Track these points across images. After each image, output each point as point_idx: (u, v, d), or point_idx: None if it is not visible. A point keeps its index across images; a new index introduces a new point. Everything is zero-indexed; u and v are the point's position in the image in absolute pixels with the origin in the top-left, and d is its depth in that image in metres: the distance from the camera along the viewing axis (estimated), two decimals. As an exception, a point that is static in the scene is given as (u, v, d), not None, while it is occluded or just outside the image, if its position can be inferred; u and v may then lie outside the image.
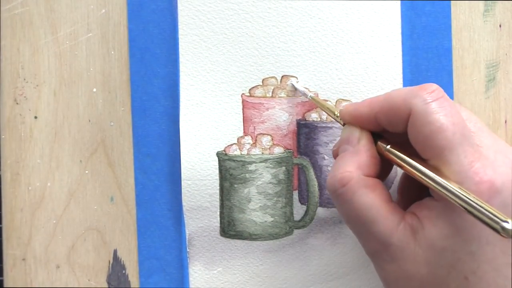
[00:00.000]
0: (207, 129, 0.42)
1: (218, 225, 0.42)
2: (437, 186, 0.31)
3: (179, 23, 0.42)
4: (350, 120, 0.36)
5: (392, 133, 0.35)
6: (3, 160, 0.43)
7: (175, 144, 0.42)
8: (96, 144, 0.43)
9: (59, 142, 0.43)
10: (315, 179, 0.42)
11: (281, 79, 0.42)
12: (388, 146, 0.34)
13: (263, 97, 0.42)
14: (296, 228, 0.43)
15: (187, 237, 0.42)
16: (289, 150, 0.42)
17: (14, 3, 0.43)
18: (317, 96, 0.42)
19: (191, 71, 0.42)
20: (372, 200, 0.33)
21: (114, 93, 0.43)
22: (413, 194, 0.36)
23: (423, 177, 0.32)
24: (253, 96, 0.42)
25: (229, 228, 0.42)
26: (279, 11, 0.42)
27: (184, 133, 0.42)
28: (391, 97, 0.33)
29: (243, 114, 0.42)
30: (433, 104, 0.31)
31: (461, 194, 0.30)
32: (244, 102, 0.42)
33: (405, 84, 0.43)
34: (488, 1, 0.43)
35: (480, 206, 0.29)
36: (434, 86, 0.32)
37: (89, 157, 0.43)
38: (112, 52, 0.43)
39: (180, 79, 0.42)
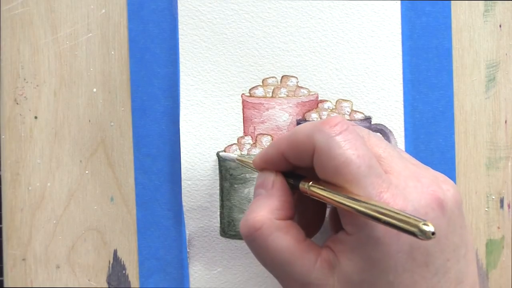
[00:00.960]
0: (207, 129, 0.42)
1: (218, 225, 0.42)
2: (362, 209, 0.29)
3: (179, 23, 0.42)
4: (262, 164, 0.35)
5: (304, 170, 0.34)
6: (3, 160, 0.43)
7: (175, 144, 0.42)
8: (96, 144, 0.43)
9: (59, 142, 0.43)
10: (315, 179, 0.42)
11: (281, 79, 0.42)
12: (310, 183, 0.33)
13: (263, 97, 0.42)
14: (296, 228, 0.43)
15: (187, 237, 0.42)
16: (289, 150, 0.42)
17: (14, 3, 0.43)
18: (317, 96, 0.42)
19: (191, 71, 0.42)
20: (286, 242, 0.32)
21: (114, 93, 0.43)
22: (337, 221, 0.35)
23: (346, 206, 0.30)
24: (253, 96, 0.42)
25: (229, 228, 0.42)
26: (279, 11, 0.42)
27: (184, 133, 0.42)
28: (296, 133, 0.33)
29: (243, 114, 0.42)
30: (336, 138, 0.31)
31: (378, 207, 0.28)
32: (244, 102, 0.42)
33: (405, 84, 0.42)
34: (488, 1, 0.43)
35: (395, 213, 0.28)
36: (338, 119, 0.32)
37: (89, 157, 0.43)
38: (112, 52, 0.43)
39: (180, 79, 0.42)
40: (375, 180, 0.30)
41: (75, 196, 0.43)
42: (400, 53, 0.42)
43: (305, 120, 0.42)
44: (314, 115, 0.42)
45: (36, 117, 0.43)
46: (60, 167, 0.43)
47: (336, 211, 0.33)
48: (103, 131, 0.43)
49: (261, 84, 0.42)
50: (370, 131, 0.34)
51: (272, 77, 0.42)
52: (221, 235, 0.42)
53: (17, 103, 0.43)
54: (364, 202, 0.29)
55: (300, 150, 0.32)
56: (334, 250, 0.32)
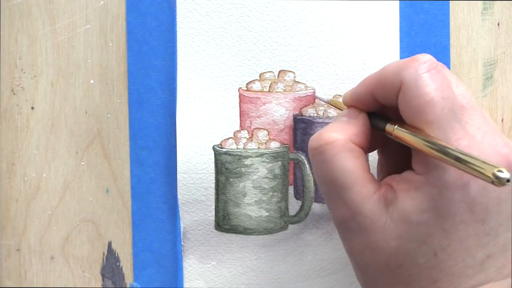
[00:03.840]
0: (203, 123, 0.42)
1: (213, 219, 0.42)
2: (442, 156, 0.30)
3: (177, 16, 0.42)
4: (351, 102, 0.35)
5: (391, 112, 0.34)
6: (-1, 150, 0.43)
7: (171, 137, 0.42)
8: (92, 136, 0.43)
9: (56, 133, 0.43)
10: (311, 175, 0.42)
11: (278, 74, 0.42)
12: (396, 126, 0.33)
13: (260, 91, 0.42)
14: (291, 223, 0.43)
15: (181, 230, 0.42)
16: (285, 145, 0.42)
17: (13, -6, 0.43)
18: (314, 92, 0.42)
19: (188, 65, 0.42)
20: (352, 165, 0.32)
21: (111, 85, 0.43)
22: (388, 170, 0.36)
23: (430, 149, 0.30)
24: (250, 91, 0.42)
25: (224, 222, 0.42)
26: (277, 6, 0.42)
27: (180, 126, 0.42)
28: (384, 70, 0.33)
29: (240, 108, 0.42)
30: (424, 76, 0.31)
31: (456, 150, 0.29)
32: (241, 96, 0.42)
33: (402, 81, 0.42)
34: (487, 0, 0.43)
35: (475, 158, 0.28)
36: (427, 56, 0.32)
37: (85, 148, 0.43)
38: (110, 44, 0.43)
39: (178, 72, 0.42)
40: (455, 125, 0.31)
41: (70, 187, 0.43)
42: (398, 50, 0.42)
43: (302, 115, 0.42)
44: (310, 110, 0.42)
45: (32, 108, 0.43)
46: (56, 158, 0.43)
47: (386, 154, 0.35)
48: (100, 123, 0.43)
49: (258, 78, 0.42)
50: (460, 80, 0.34)
51: (270, 71, 0.42)
52: (216, 228, 0.42)
53: (14, 94, 0.43)
54: (447, 147, 0.29)
55: (388, 87, 0.32)
56: (396, 189, 0.32)
